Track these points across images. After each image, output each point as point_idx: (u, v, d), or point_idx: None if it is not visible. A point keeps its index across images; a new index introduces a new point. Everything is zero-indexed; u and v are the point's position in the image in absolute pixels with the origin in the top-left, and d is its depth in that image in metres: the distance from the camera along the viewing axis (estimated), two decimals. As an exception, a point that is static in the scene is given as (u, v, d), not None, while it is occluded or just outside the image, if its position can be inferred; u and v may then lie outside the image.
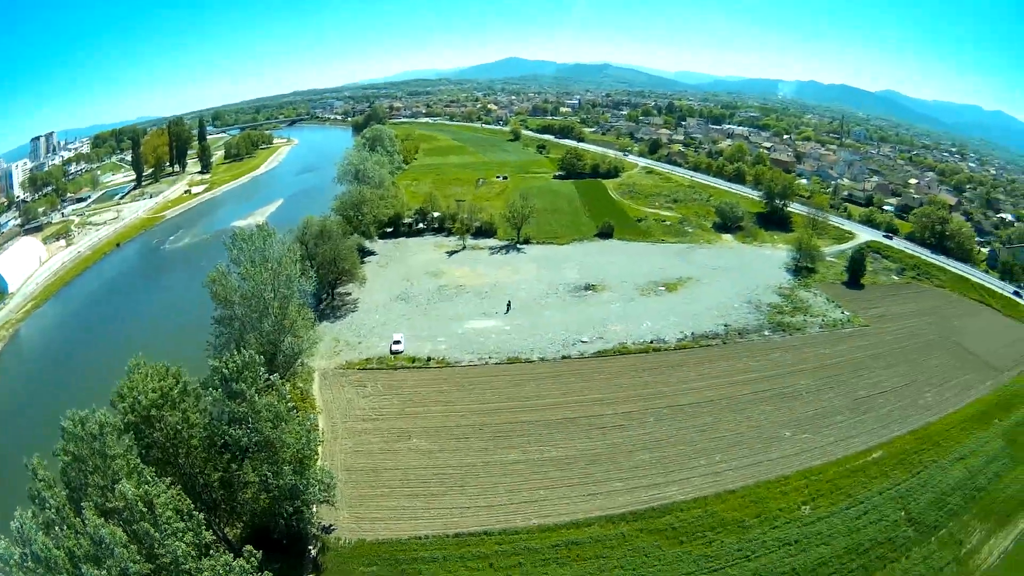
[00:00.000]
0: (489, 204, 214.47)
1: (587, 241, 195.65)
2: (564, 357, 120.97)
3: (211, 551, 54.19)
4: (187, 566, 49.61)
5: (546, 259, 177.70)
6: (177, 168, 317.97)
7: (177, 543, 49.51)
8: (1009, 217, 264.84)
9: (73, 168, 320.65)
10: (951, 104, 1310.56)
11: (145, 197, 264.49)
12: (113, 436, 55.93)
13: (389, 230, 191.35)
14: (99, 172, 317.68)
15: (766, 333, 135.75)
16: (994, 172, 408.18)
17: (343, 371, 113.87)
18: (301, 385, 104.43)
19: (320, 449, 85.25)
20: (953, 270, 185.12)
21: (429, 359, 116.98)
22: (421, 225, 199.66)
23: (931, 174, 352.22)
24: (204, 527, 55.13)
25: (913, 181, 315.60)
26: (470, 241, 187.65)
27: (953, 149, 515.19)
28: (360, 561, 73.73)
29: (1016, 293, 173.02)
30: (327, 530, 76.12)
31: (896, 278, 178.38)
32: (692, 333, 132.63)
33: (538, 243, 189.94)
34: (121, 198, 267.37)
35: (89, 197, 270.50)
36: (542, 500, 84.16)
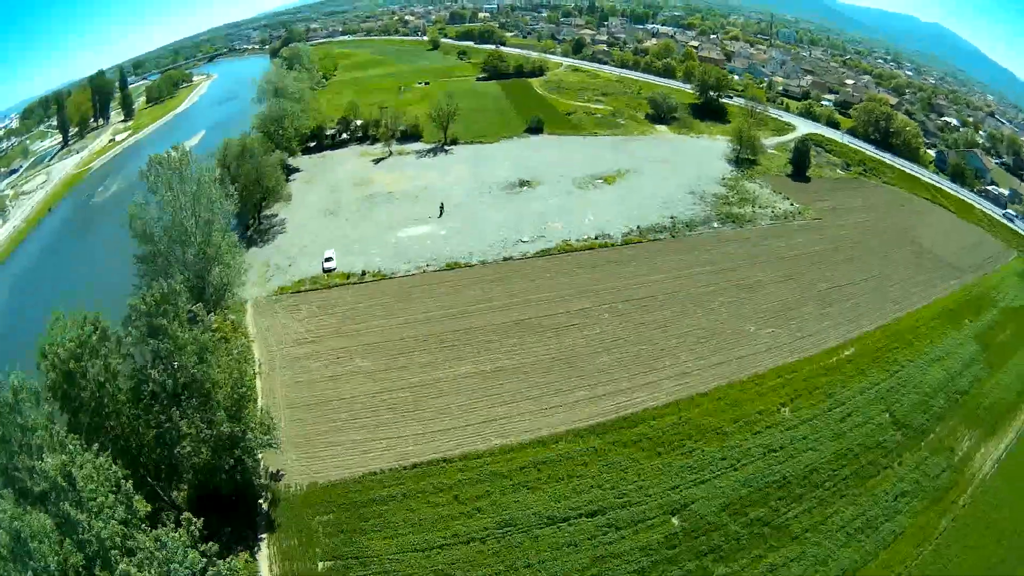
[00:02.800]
0: (413, 108, 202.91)
1: (517, 138, 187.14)
2: (506, 259, 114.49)
3: (160, 523, 50.81)
4: (115, 550, 44.66)
5: (476, 158, 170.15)
6: (102, 121, 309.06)
7: (99, 523, 44.48)
8: (954, 121, 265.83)
9: (4, 145, 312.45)
10: (886, 12, 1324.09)
11: (71, 155, 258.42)
12: (31, 403, 52.54)
13: (312, 144, 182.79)
14: (28, 142, 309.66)
15: (715, 225, 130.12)
16: (933, 82, 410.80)
17: (276, 297, 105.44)
18: (233, 317, 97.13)
19: (258, 383, 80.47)
20: (901, 168, 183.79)
21: (364, 273, 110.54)
22: (344, 135, 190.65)
23: (867, 77, 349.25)
24: (135, 496, 50.36)
25: (849, 81, 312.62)
26: (396, 147, 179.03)
27: (888, 56, 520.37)
28: (315, 509, 65.78)
29: (1006, 216, 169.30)
30: (275, 477, 69.40)
31: (842, 172, 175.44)
32: (638, 227, 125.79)
33: (466, 143, 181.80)
34: (50, 161, 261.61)
35: (20, 167, 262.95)
36: (501, 418, 76.61)
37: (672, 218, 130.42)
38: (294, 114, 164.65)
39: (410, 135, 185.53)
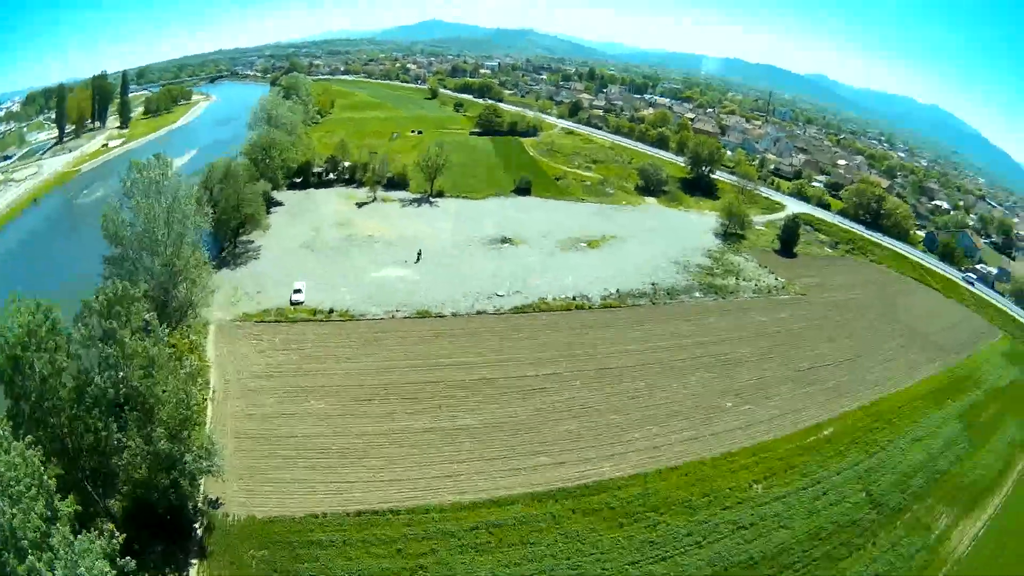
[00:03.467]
0: (403, 156, 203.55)
1: (504, 196, 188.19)
2: (479, 312, 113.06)
3: (89, 529, 46.77)
4: (25, 541, 42.22)
5: (460, 213, 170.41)
6: (98, 124, 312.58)
7: (14, 511, 42.38)
8: (944, 204, 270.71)
9: (3, 128, 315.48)
10: (883, 93, 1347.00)
11: (65, 152, 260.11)
12: None
13: (298, 180, 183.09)
14: (26, 130, 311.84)
15: (697, 295, 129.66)
16: (925, 164, 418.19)
17: (240, 323, 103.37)
18: (193, 337, 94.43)
19: (208, 409, 79.08)
20: (890, 247, 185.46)
21: (331, 311, 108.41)
22: (331, 176, 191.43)
23: (860, 158, 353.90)
24: (58, 495, 48.56)
25: (842, 162, 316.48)
26: (381, 193, 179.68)
27: (882, 137, 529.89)
28: (250, 543, 62.40)
29: (966, 279, 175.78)
30: (214, 504, 66.55)
31: (830, 250, 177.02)
32: (618, 291, 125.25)
33: (452, 196, 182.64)
34: (43, 154, 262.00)
35: (14, 155, 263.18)
36: (457, 475, 73.48)
37: (653, 284, 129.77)
38: (283, 145, 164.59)
39: (397, 183, 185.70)
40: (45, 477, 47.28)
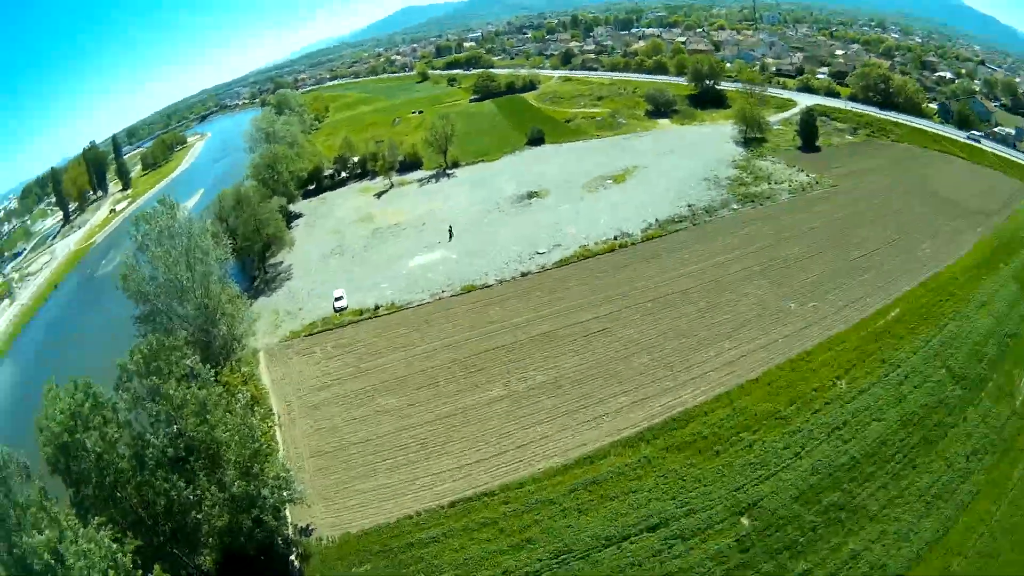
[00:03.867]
0: (409, 137, 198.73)
1: (518, 152, 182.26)
2: (524, 274, 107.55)
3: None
4: None
5: (480, 178, 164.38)
6: (100, 193, 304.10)
7: None
8: (948, 74, 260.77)
9: (6, 228, 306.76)
10: None
11: (74, 231, 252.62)
12: (21, 478, 49.21)
13: (311, 187, 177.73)
14: (29, 222, 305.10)
15: (735, 207, 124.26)
16: (919, 40, 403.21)
17: (287, 343, 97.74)
18: (245, 368, 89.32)
19: (278, 435, 75.56)
20: (908, 123, 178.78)
21: (377, 307, 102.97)
22: (343, 174, 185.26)
23: (855, 45, 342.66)
24: (137, 570, 46.06)
25: (840, 52, 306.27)
26: (396, 178, 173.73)
27: (872, 23, 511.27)
28: (349, 560, 59.30)
29: (971, 138, 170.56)
30: (305, 532, 63.05)
31: (850, 137, 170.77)
32: (656, 220, 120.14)
33: (468, 164, 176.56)
34: (53, 239, 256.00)
35: (24, 249, 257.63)
36: (541, 439, 69.50)
37: (690, 207, 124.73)
38: (287, 157, 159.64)
39: (409, 164, 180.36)
40: (120, 556, 45.06)
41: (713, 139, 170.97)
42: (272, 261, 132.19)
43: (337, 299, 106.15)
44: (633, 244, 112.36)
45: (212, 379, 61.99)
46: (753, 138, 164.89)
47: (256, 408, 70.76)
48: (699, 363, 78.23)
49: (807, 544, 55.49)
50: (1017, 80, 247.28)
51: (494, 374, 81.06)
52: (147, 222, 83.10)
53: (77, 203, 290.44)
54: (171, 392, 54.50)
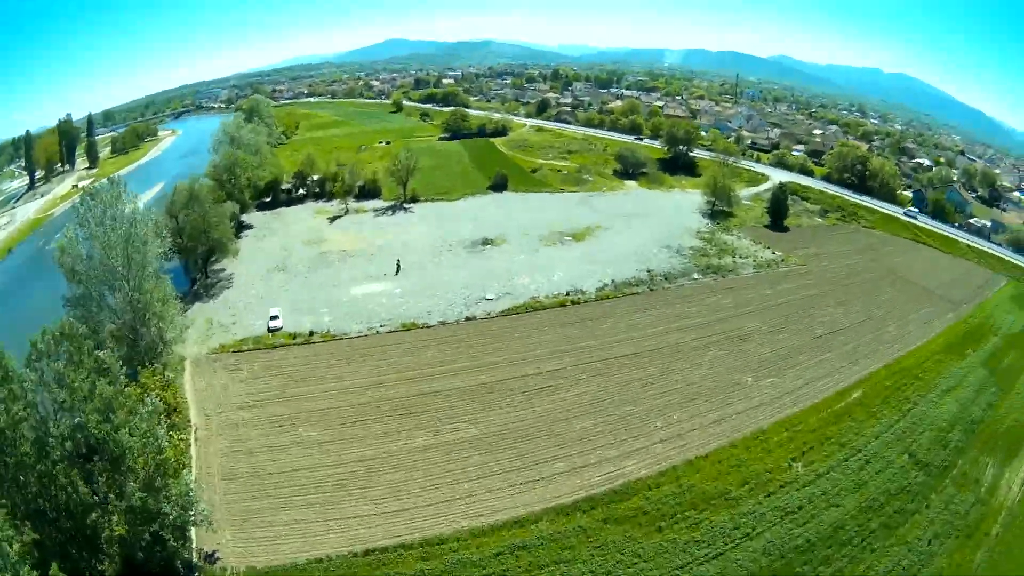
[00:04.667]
0: (371, 166, 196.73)
1: (480, 195, 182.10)
2: (468, 319, 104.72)
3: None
4: None
5: (437, 216, 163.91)
6: (67, 167, 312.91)
7: None
8: (926, 162, 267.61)
9: None
10: (848, 67, 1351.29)
11: (36, 198, 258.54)
12: None
13: (267, 200, 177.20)
14: None
15: (696, 276, 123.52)
16: (899, 127, 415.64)
17: (216, 356, 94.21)
18: (169, 374, 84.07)
19: (192, 451, 71.26)
20: (880, 210, 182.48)
21: (311, 333, 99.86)
22: (301, 191, 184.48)
23: (834, 127, 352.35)
24: (26, 565, 43.13)
25: (817, 131, 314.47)
26: (353, 204, 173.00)
27: (852, 108, 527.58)
28: None
29: (908, 214, 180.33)
30: (210, 559, 58.52)
31: (820, 220, 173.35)
32: (613, 281, 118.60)
33: (427, 200, 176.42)
34: (15, 203, 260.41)
35: None
36: (467, 496, 65.46)
37: (649, 271, 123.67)
38: (247, 163, 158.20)
39: (368, 192, 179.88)
40: (6, 545, 41.93)
41: (680, 207, 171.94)
42: (215, 267, 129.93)
43: (272, 318, 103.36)
44: (586, 302, 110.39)
45: (122, 377, 58.19)
46: (721, 211, 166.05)
47: (174, 416, 69.60)
48: (646, 433, 75.23)
49: (755, 634, 52.16)
50: (997, 171, 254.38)
51: (424, 420, 77.26)
52: (92, 198, 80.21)
53: (44, 172, 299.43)
54: (75, 383, 51.23)
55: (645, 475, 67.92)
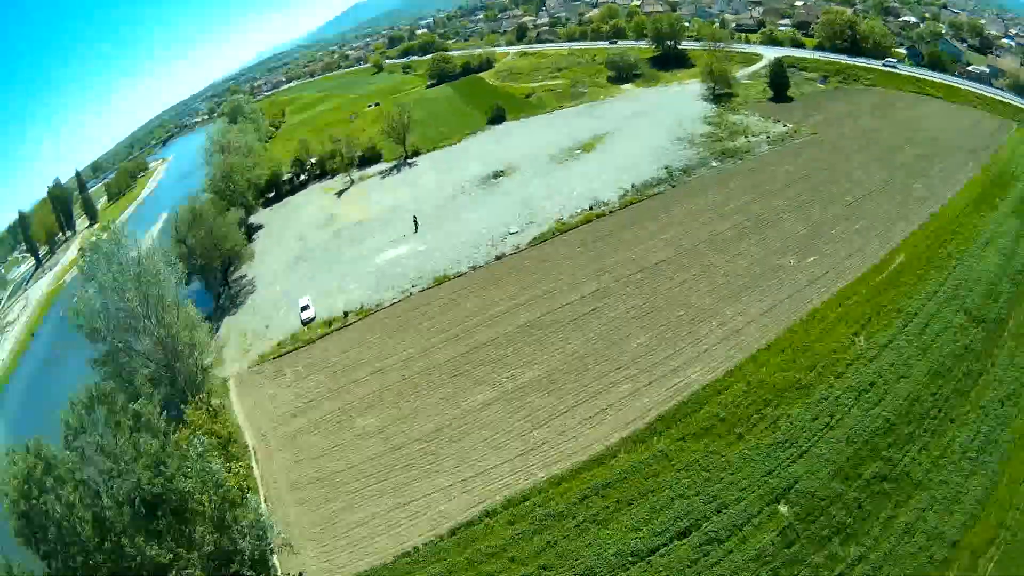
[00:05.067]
0: (366, 132, 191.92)
1: (480, 132, 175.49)
2: (498, 258, 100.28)
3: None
4: None
5: (443, 163, 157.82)
6: (69, 232, 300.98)
7: None
8: (912, 19, 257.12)
9: None
10: None
11: (46, 274, 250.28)
12: None
13: (271, 195, 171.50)
14: (3, 271, 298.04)
15: (714, 164, 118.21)
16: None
17: (258, 367, 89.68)
18: (216, 401, 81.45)
19: (256, 472, 68.20)
20: (879, 68, 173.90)
21: (346, 314, 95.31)
22: (303, 177, 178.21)
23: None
24: None
25: (799, 3, 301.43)
26: (356, 173, 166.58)
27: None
28: None
29: (886, 64, 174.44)
30: None
31: (822, 85, 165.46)
32: (633, 186, 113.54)
33: (429, 151, 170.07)
34: (27, 285, 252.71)
35: (1, 300, 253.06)
36: (541, 444, 62.03)
37: (667, 168, 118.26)
38: (243, 167, 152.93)
39: (369, 158, 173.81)
40: None
41: (681, 98, 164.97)
42: (236, 276, 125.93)
43: (303, 309, 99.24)
44: (611, 212, 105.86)
45: (161, 423, 55.13)
46: (722, 93, 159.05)
47: (231, 447, 66.92)
48: (703, 336, 71.46)
49: (856, 525, 49.41)
50: (982, 21, 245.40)
51: (479, 376, 73.36)
52: (93, 251, 76.08)
53: (47, 246, 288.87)
54: (118, 448, 48.55)
55: (712, 379, 64.61)
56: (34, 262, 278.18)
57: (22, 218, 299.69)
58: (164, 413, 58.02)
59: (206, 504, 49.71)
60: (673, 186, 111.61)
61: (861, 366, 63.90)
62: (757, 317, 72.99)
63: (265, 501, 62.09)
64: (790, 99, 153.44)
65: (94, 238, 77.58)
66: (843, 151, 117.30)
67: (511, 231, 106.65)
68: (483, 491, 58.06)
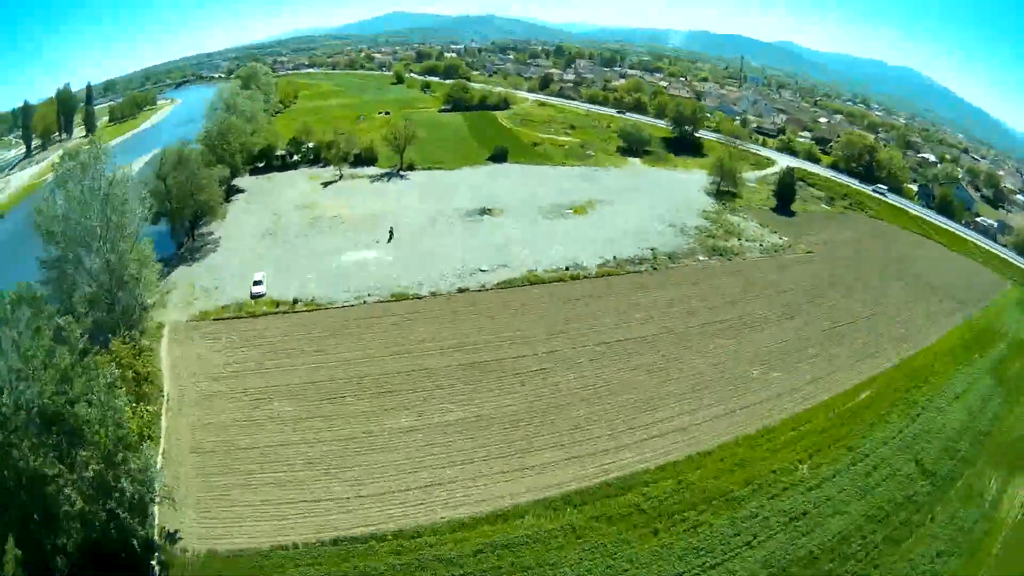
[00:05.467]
0: (369, 134, 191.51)
1: (479, 166, 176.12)
2: (461, 290, 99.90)
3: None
4: None
5: (434, 185, 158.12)
6: (65, 135, 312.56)
7: None
8: (931, 157, 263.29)
9: None
10: (852, 57, 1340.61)
11: (32, 165, 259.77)
12: None
13: (260, 165, 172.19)
14: None
15: (701, 257, 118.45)
16: (904, 121, 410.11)
17: (196, 323, 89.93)
18: (145, 342, 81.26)
19: (163, 422, 67.65)
20: (888, 201, 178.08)
21: (296, 301, 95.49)
22: (296, 158, 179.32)
23: (839, 116, 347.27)
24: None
25: (823, 120, 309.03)
26: (348, 171, 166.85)
27: (856, 99, 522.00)
28: None
29: (876, 191, 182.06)
30: (171, 538, 54.70)
31: (827, 207, 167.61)
32: (615, 257, 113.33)
33: (424, 169, 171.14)
34: (11, 170, 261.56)
35: None
36: (451, 482, 60.43)
37: (652, 250, 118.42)
38: (240, 129, 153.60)
39: (365, 159, 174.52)
40: None
41: (685, 186, 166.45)
42: (203, 231, 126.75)
43: (256, 283, 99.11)
44: (586, 277, 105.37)
45: (81, 344, 54.23)
46: (726, 191, 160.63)
47: (144, 386, 67.38)
48: (646, 425, 70.18)
49: (747, 657, 47.50)
50: (1000, 173, 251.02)
51: (409, 400, 72.22)
52: (71, 158, 77.19)
53: (41, 141, 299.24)
54: (30, 351, 47.75)
55: (642, 468, 62.95)
56: (24, 150, 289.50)
57: (26, 107, 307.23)
58: (87, 335, 57.52)
59: (101, 436, 48.62)
60: (655, 268, 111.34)
61: (798, 493, 62.53)
62: (706, 420, 71.73)
63: (163, 454, 61.15)
64: (792, 213, 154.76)
65: (77, 144, 78.74)
66: (833, 276, 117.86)
67: (482, 268, 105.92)
68: (378, 513, 56.51)
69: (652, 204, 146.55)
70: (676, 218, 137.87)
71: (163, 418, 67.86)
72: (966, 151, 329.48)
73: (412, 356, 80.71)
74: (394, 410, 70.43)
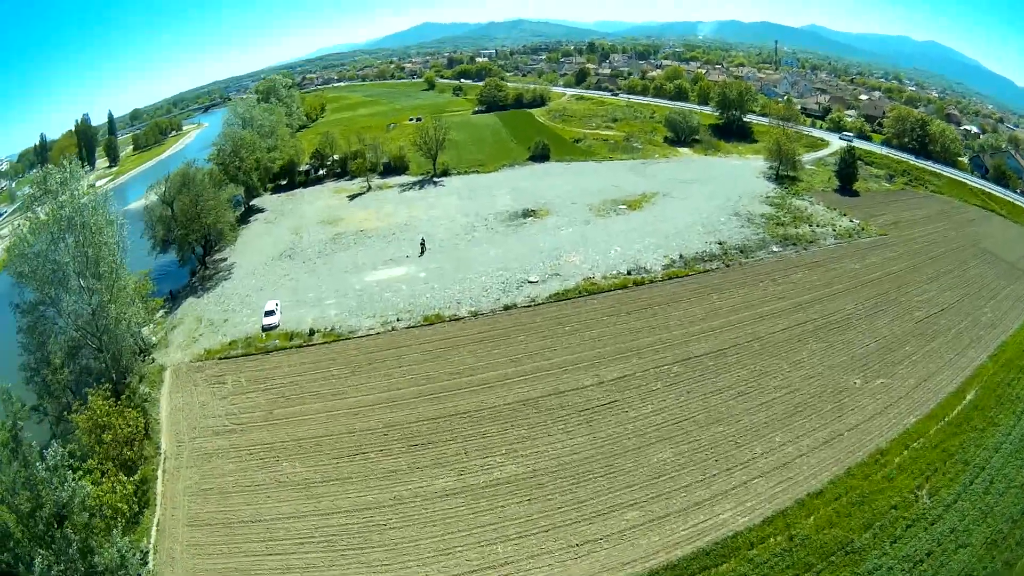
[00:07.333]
0: (398, 142, 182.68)
1: (519, 166, 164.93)
2: (507, 307, 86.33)
3: None
4: None
5: (470, 189, 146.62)
6: (88, 168, 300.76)
7: None
8: (974, 129, 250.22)
9: None
10: (880, 36, 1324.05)
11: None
12: None
13: (284, 182, 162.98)
14: (15, 186, 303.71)
15: (775, 249, 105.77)
16: (937, 94, 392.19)
17: (200, 363, 77.89)
18: (145, 390, 70.92)
19: (158, 486, 58.17)
20: (946, 174, 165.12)
21: (312, 332, 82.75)
22: (321, 172, 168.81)
23: (878, 92, 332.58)
24: None
25: (864, 97, 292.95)
26: (377, 181, 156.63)
27: (889, 75, 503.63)
28: None
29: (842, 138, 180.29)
30: None
31: (888, 184, 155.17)
32: (681, 256, 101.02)
33: (459, 173, 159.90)
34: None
35: (5, 211, 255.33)
36: (504, 564, 47.66)
37: (721, 244, 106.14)
38: (253, 144, 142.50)
39: (394, 168, 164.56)
40: None
41: (741, 172, 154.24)
42: (217, 257, 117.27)
43: (268, 313, 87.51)
44: (652, 282, 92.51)
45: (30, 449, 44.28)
46: (785, 176, 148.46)
47: (136, 446, 59.12)
48: (742, 464, 56.74)
49: None
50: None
51: (446, 454, 59.08)
52: (38, 185, 68.46)
53: None
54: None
55: (746, 525, 50.02)
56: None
57: (43, 141, 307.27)
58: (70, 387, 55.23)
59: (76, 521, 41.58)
60: (727, 265, 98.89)
61: (921, 530, 50.88)
62: (811, 449, 58.84)
63: (157, 525, 53.39)
64: (856, 193, 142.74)
65: (50, 167, 67.82)
66: (912, 258, 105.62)
67: (530, 279, 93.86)
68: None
69: (711, 194, 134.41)
70: (739, 207, 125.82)
71: (159, 480, 58.63)
72: (1001, 120, 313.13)
73: (449, 396, 67.79)
74: (428, 468, 57.72)
